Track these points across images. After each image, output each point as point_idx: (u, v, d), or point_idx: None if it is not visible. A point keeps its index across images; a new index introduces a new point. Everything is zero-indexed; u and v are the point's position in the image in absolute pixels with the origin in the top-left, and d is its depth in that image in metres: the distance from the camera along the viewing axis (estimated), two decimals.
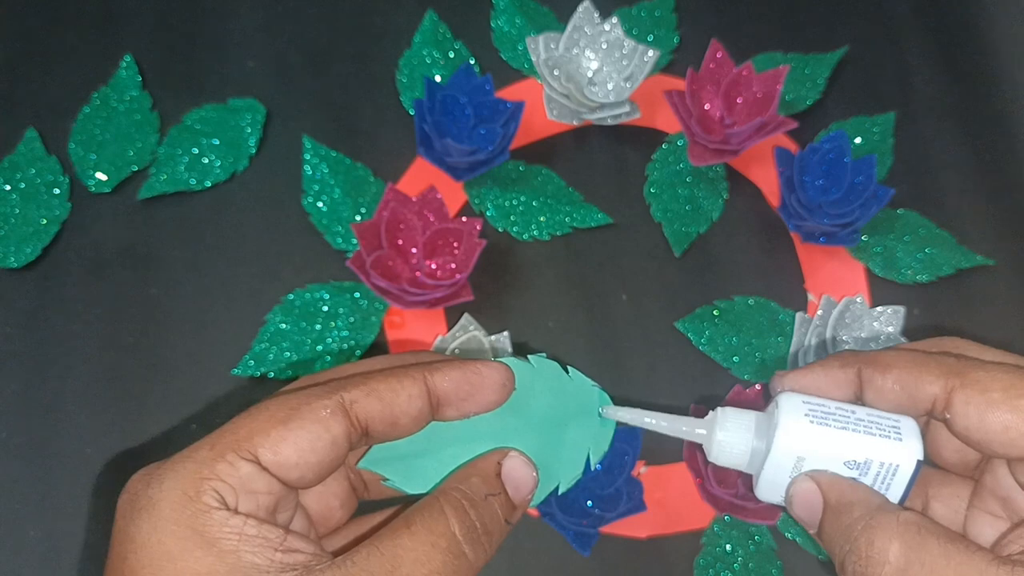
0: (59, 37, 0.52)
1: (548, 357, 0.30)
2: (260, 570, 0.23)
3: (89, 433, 0.45)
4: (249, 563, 0.23)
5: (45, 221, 0.48)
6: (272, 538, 0.24)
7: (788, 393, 0.30)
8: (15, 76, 0.51)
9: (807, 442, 0.29)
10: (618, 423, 0.31)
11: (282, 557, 0.23)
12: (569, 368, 0.30)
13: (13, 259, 0.47)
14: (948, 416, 0.28)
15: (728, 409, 0.30)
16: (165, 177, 0.49)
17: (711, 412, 0.31)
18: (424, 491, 0.27)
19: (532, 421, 0.29)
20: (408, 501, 0.27)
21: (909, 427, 0.29)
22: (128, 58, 0.51)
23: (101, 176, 0.49)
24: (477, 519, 0.26)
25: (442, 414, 0.27)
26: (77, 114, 0.50)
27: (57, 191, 0.48)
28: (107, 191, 0.49)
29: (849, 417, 0.29)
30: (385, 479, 0.28)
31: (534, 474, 0.28)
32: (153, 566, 0.23)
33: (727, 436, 0.30)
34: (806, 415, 0.29)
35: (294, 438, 0.25)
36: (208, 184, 0.50)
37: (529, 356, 0.30)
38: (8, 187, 0.48)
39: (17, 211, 0.48)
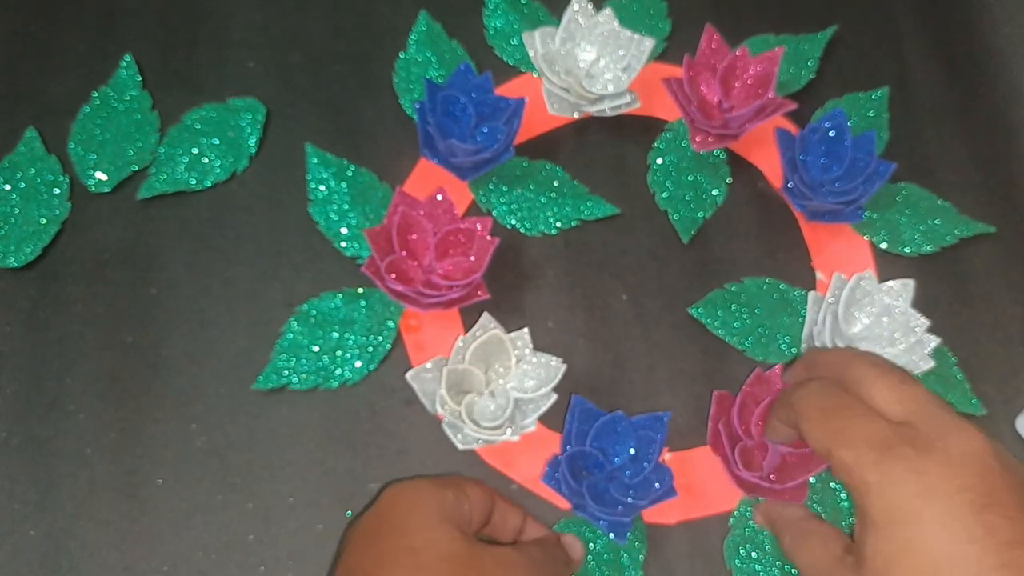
0: (59, 37, 0.54)
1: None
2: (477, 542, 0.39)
3: (89, 433, 0.46)
4: (471, 537, 0.39)
5: (45, 221, 0.49)
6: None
7: None
8: (15, 76, 0.53)
9: None
10: None
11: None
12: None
13: (13, 259, 0.49)
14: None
15: None
16: (165, 177, 0.51)
17: None
18: None
19: None
20: None
21: None
22: (128, 58, 0.53)
23: (101, 176, 0.50)
24: (549, 551, 0.43)
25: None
26: (77, 114, 0.52)
27: (57, 191, 0.50)
28: (107, 191, 0.51)
29: None
30: None
31: (581, 546, 0.45)
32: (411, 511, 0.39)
33: None
34: None
35: (479, 491, 0.42)
36: (208, 184, 0.51)
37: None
38: (8, 187, 0.50)
39: (17, 211, 0.49)
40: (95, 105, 0.52)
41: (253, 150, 0.52)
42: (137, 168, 0.51)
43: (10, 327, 0.48)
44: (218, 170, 0.51)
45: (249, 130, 0.52)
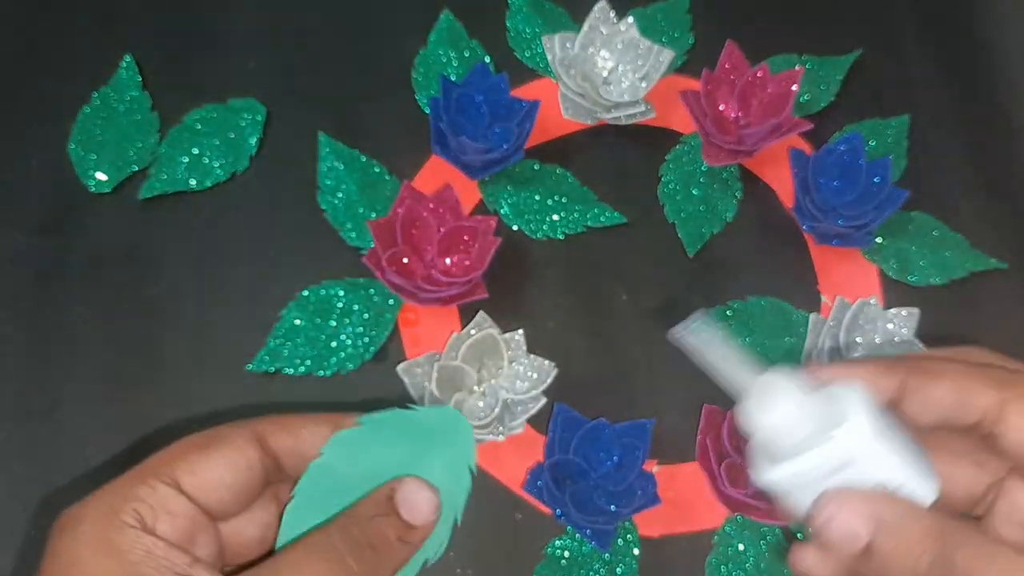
0: (59, 37, 0.55)
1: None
2: None
3: (89, 433, 0.47)
4: None
5: None
6: (178, 562, 0.27)
7: (856, 391, 0.30)
8: (15, 76, 0.54)
9: (863, 451, 0.29)
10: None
11: None
12: (414, 406, 0.33)
13: None
14: (996, 431, 0.29)
15: (781, 377, 0.30)
16: (165, 177, 0.52)
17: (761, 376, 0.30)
18: None
19: (411, 467, 0.31)
20: None
21: (928, 464, 0.31)
22: (128, 58, 0.54)
23: (101, 176, 0.52)
24: (361, 535, 0.29)
25: None
26: (77, 114, 0.53)
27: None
28: (107, 191, 0.52)
29: (895, 439, 0.30)
30: None
31: (430, 494, 0.31)
32: (63, 571, 0.27)
33: (777, 408, 0.30)
34: (874, 423, 0.29)
35: (212, 463, 0.29)
36: (208, 184, 0.52)
37: (360, 419, 0.32)
38: None
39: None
40: (95, 105, 0.53)
41: (253, 150, 0.53)
42: (137, 168, 0.52)
43: (10, 327, 0.49)
44: (218, 170, 0.53)
45: (249, 130, 0.53)
